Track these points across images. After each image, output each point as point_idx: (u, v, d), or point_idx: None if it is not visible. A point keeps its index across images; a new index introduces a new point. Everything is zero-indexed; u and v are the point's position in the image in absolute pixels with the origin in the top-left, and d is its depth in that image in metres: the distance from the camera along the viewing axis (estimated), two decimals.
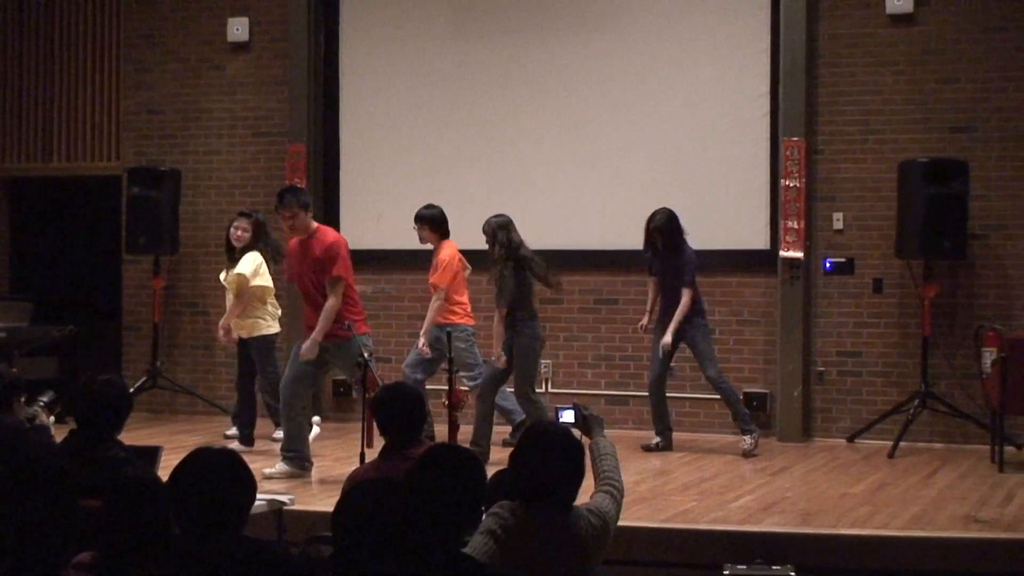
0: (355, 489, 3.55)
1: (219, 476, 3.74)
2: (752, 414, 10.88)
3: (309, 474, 8.90)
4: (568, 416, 5.11)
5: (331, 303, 8.67)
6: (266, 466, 8.74)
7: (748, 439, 9.97)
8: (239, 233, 10.05)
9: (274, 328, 10.15)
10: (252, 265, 9.94)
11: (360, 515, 3.43)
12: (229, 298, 10.11)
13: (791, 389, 10.78)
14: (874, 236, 10.77)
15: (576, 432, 4.73)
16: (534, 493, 4.33)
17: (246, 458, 3.97)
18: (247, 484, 3.81)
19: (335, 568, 3.47)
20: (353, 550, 3.41)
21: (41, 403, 6.25)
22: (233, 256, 10.08)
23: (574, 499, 4.42)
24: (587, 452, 4.77)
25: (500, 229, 9.45)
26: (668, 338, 9.98)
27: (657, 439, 10.15)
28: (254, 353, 10.09)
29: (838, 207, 10.86)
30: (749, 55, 11.00)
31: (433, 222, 9.85)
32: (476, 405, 9.45)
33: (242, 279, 9.86)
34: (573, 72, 11.43)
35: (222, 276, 10.34)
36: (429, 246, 9.94)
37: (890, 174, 10.55)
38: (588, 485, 4.66)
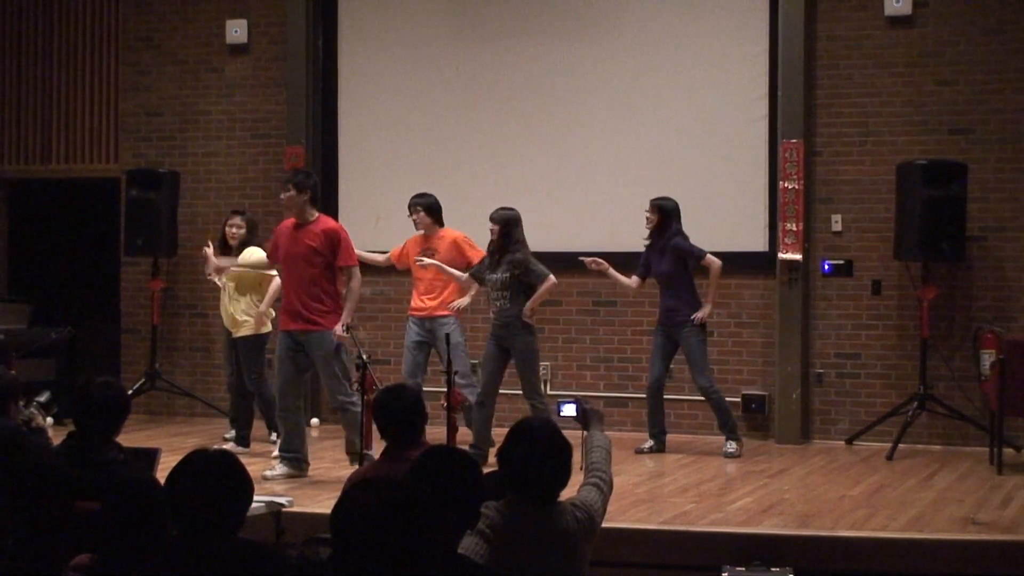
0: (355, 488, 3.54)
1: (216, 478, 3.74)
2: (750, 416, 10.93)
3: (307, 474, 8.92)
4: (569, 410, 5.12)
5: (356, 285, 8.84)
6: (264, 468, 8.74)
7: (733, 444, 10.01)
8: (234, 231, 10.10)
9: (267, 327, 10.15)
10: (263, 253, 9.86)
11: (360, 513, 3.42)
12: (225, 293, 10.06)
13: (790, 391, 10.78)
14: (872, 238, 10.77)
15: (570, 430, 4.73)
16: (520, 488, 4.34)
17: (243, 460, 3.97)
18: (244, 486, 3.80)
19: (334, 568, 3.47)
20: (352, 549, 3.41)
21: (37, 403, 6.23)
22: (229, 254, 10.06)
23: (559, 495, 4.42)
24: (582, 445, 4.79)
25: (513, 222, 9.51)
26: (707, 310, 10.00)
27: (650, 442, 10.15)
28: (243, 353, 10.06)
29: (837, 209, 10.86)
30: (747, 57, 11.00)
31: (431, 209, 10.01)
32: (478, 410, 9.45)
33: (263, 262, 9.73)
34: (571, 74, 11.43)
35: (217, 277, 10.21)
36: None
37: (888, 176, 10.55)
38: (578, 479, 4.67)
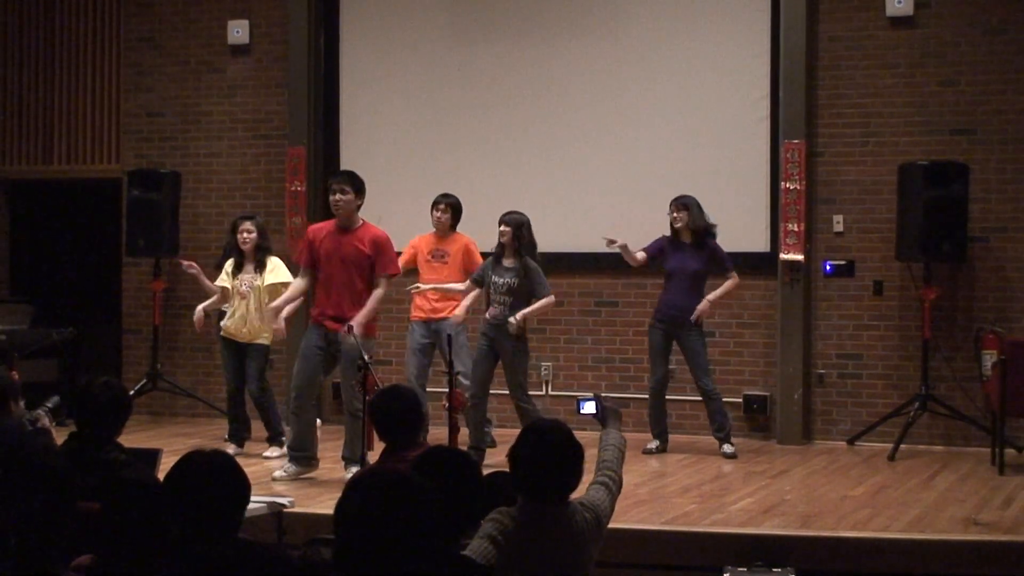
0: (360, 480, 3.54)
1: (213, 478, 3.74)
2: (752, 417, 10.94)
3: (316, 468, 8.99)
4: (589, 407, 5.11)
5: (381, 293, 8.78)
6: (257, 468, 8.75)
7: (731, 446, 10.05)
8: (245, 236, 9.93)
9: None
10: (286, 272, 9.90)
11: (363, 505, 3.42)
12: (247, 304, 9.92)
13: (791, 392, 10.78)
14: (874, 239, 10.77)
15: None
16: (532, 490, 4.34)
17: (239, 459, 3.97)
18: (240, 485, 3.80)
19: (336, 564, 3.46)
20: (354, 542, 3.40)
21: (46, 408, 6.23)
22: (242, 261, 10.01)
23: (570, 496, 4.42)
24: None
25: (526, 226, 9.48)
26: (706, 306, 10.03)
27: (656, 442, 10.17)
28: (256, 360, 10.04)
29: (838, 210, 10.86)
30: (749, 58, 11.00)
31: (456, 210, 9.97)
32: (472, 411, 9.44)
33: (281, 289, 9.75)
34: (573, 75, 11.43)
35: (227, 281, 10.07)
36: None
37: (890, 177, 10.55)
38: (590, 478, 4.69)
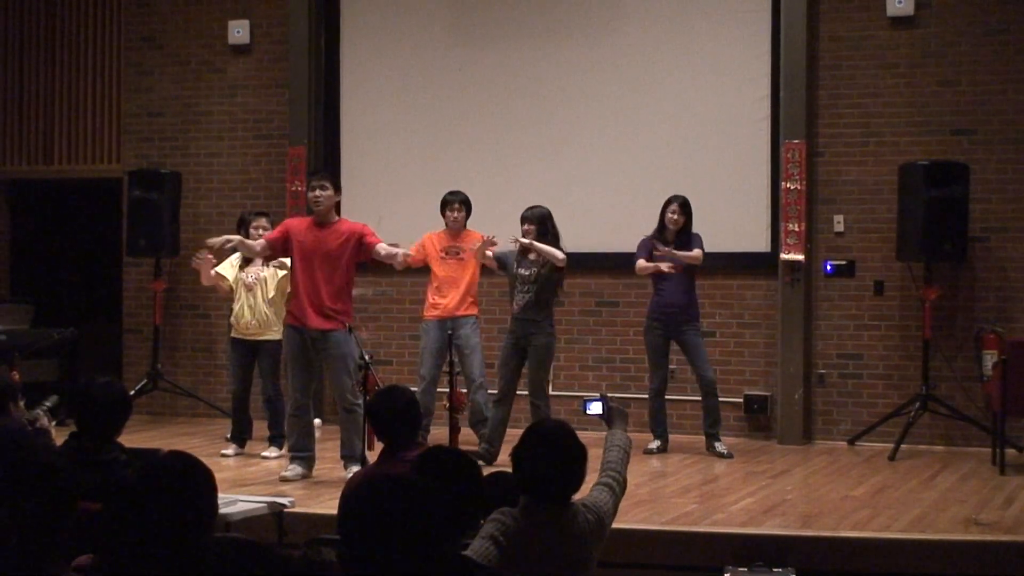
0: (366, 480, 3.53)
1: (183, 482, 3.69)
2: (753, 417, 10.95)
3: (312, 472, 9.00)
4: (596, 408, 5.11)
5: (393, 250, 8.85)
6: (255, 468, 8.75)
7: (722, 445, 10.05)
8: (262, 233, 9.78)
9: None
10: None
11: (370, 509, 3.42)
12: (254, 296, 9.92)
13: (792, 392, 10.78)
14: (875, 239, 10.77)
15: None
16: (534, 490, 4.34)
17: (236, 461, 3.95)
18: (206, 479, 3.75)
19: (342, 564, 3.46)
20: (358, 545, 3.40)
21: (45, 407, 6.23)
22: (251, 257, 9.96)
23: (572, 497, 4.41)
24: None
25: (549, 218, 9.56)
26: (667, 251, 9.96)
27: (658, 442, 10.18)
28: (269, 358, 10.02)
29: (839, 210, 10.86)
30: (749, 58, 11.00)
31: (470, 207, 10.03)
32: (495, 408, 9.46)
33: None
34: (573, 75, 11.43)
35: (230, 272, 10.05)
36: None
37: (891, 177, 10.55)
38: (593, 478, 4.69)
